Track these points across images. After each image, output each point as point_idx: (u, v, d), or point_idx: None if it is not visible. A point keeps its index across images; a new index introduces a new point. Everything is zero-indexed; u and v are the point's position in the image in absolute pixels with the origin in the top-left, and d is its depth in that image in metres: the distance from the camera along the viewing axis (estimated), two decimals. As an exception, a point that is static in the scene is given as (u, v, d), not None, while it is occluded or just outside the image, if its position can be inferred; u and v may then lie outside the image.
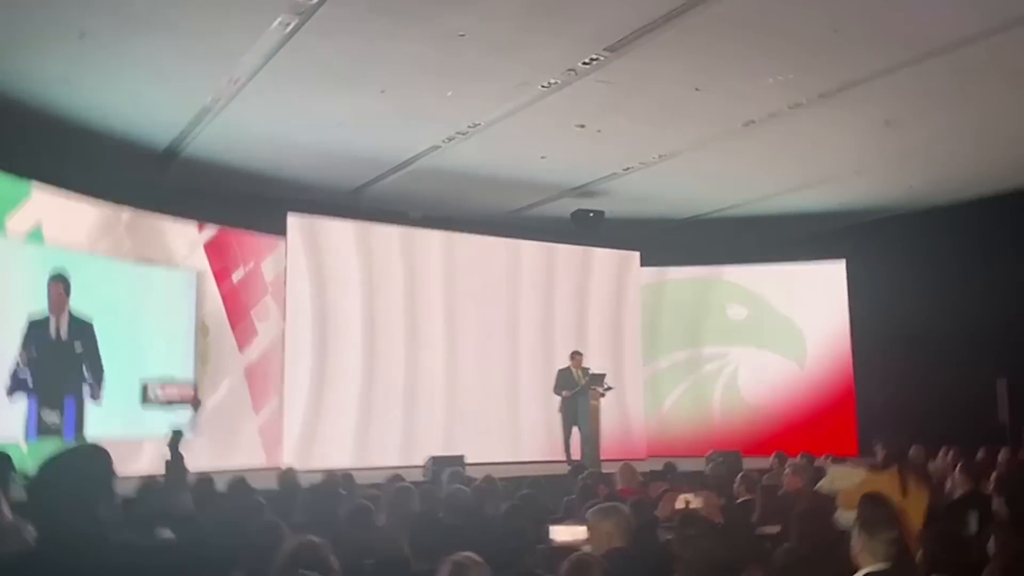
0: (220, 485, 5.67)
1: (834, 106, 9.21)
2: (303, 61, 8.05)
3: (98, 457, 2.04)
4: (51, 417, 9.26)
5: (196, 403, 5.20)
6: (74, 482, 1.95)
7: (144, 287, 10.44)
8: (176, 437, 4.76)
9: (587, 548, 3.34)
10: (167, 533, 3.14)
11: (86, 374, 9.71)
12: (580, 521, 3.70)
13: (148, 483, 4.80)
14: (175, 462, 4.70)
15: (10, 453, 8.57)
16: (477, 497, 4.97)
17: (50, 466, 1.99)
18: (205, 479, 5.61)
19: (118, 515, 2.02)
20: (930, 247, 13.07)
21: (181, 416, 5.11)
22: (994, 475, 6.27)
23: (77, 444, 2.14)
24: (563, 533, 3.10)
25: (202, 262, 11.13)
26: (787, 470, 6.88)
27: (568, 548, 3.31)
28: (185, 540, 3.17)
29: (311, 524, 4.33)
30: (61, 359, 9.43)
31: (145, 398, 5.17)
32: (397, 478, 6.07)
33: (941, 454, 8.76)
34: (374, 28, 7.45)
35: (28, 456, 8.32)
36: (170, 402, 5.11)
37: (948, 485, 6.70)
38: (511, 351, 12.94)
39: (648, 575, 3.40)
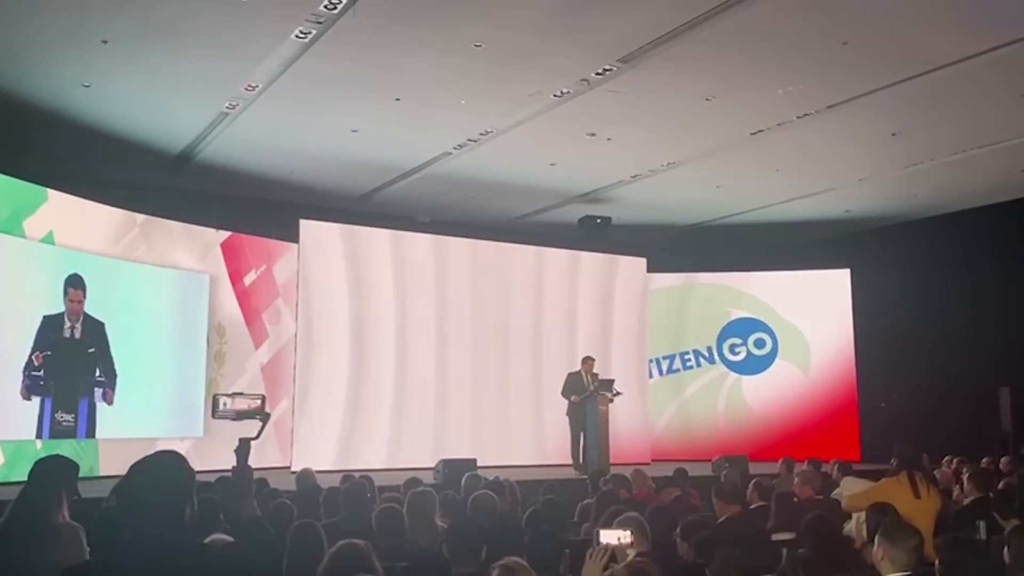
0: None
1: (841, 117, 9.35)
2: (321, 69, 8.17)
3: (182, 463, 2.16)
4: (65, 418, 9.39)
5: (264, 414, 5.31)
6: (169, 483, 2.07)
7: (157, 289, 10.55)
8: (244, 445, 4.87)
9: (631, 552, 3.44)
10: (221, 536, 3.24)
11: (99, 375, 9.85)
12: (608, 525, 3.80)
13: (204, 487, 4.90)
14: (242, 468, 4.84)
15: (25, 452, 8.75)
16: (506, 501, 5.05)
17: (147, 467, 2.11)
18: (261, 482, 5.68)
19: (196, 519, 2.13)
20: (934, 256, 13.18)
21: (249, 426, 5.22)
22: (1002, 483, 6.38)
23: (162, 450, 2.24)
24: (610, 536, 3.20)
25: (215, 265, 11.24)
26: (796, 478, 6.97)
27: (616, 551, 3.41)
28: (252, 543, 3.27)
29: (341, 525, 4.44)
30: (75, 359, 9.57)
31: (216, 411, 5.29)
32: (415, 481, 6.16)
33: (945, 462, 8.86)
34: (392, 38, 7.56)
35: (41, 455, 8.45)
36: (239, 414, 5.22)
37: (955, 493, 6.81)
38: (518, 356, 13.02)
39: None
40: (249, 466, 4.84)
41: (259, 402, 5.24)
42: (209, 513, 4.13)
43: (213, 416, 5.27)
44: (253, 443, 5.18)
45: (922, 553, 3.54)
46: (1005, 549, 3.87)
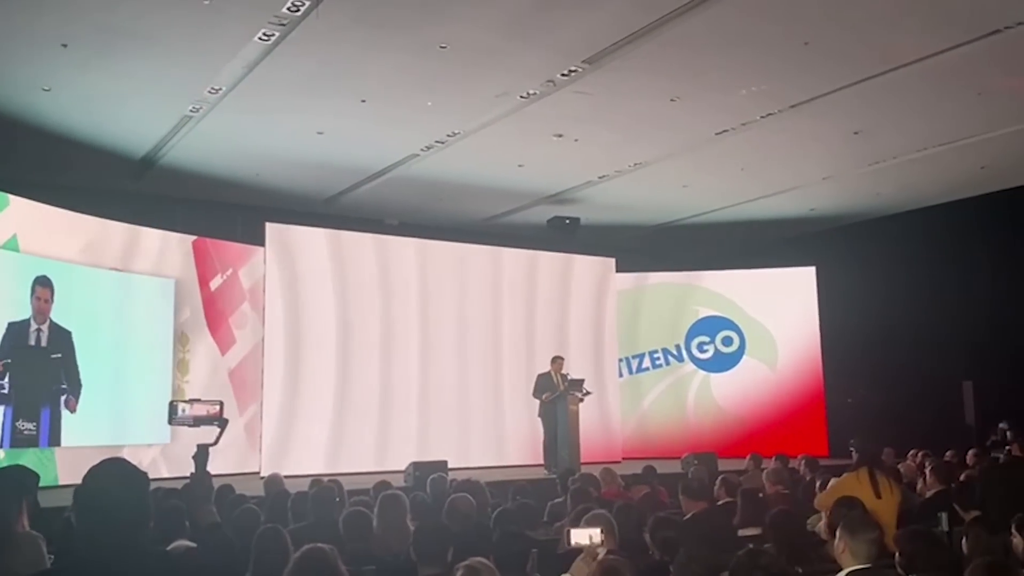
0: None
1: (805, 116, 9.45)
2: (285, 71, 8.11)
3: (137, 469, 2.13)
4: (26, 426, 9.25)
5: (222, 420, 5.26)
6: (128, 489, 2.04)
7: (122, 295, 10.42)
8: (202, 452, 4.83)
9: (602, 550, 3.46)
10: (184, 543, 3.21)
11: (64, 383, 9.72)
12: (577, 524, 3.82)
13: (164, 494, 4.85)
14: (200, 475, 4.79)
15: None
16: (475, 502, 5.05)
17: (103, 473, 2.08)
18: (226, 488, 5.63)
19: (157, 525, 2.11)
20: (898, 253, 13.39)
21: (208, 432, 5.17)
22: (963, 475, 6.49)
23: (116, 457, 2.21)
24: (581, 535, 3.22)
25: (180, 270, 11.12)
26: (764, 477, 7.02)
27: (583, 550, 3.43)
28: (211, 549, 3.24)
29: (308, 530, 4.42)
30: (39, 366, 9.42)
31: (173, 417, 5.23)
32: (384, 484, 6.14)
33: (910, 455, 8.98)
34: (356, 39, 7.54)
35: (3, 464, 8.31)
36: (197, 420, 5.17)
37: (919, 486, 6.91)
38: (488, 357, 13.03)
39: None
40: (208, 472, 4.81)
41: (217, 408, 5.20)
42: (175, 520, 4.09)
43: (170, 423, 5.23)
44: (219, 449, 5.14)
45: (882, 546, 3.59)
46: (964, 540, 3.95)
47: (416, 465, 9.23)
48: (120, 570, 1.95)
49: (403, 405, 12.29)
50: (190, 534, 3.95)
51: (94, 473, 2.09)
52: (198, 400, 5.28)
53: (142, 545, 2.02)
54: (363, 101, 8.91)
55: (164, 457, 10.13)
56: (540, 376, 11.13)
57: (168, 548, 2.88)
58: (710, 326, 14.52)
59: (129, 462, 2.17)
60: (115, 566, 1.95)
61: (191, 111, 9.05)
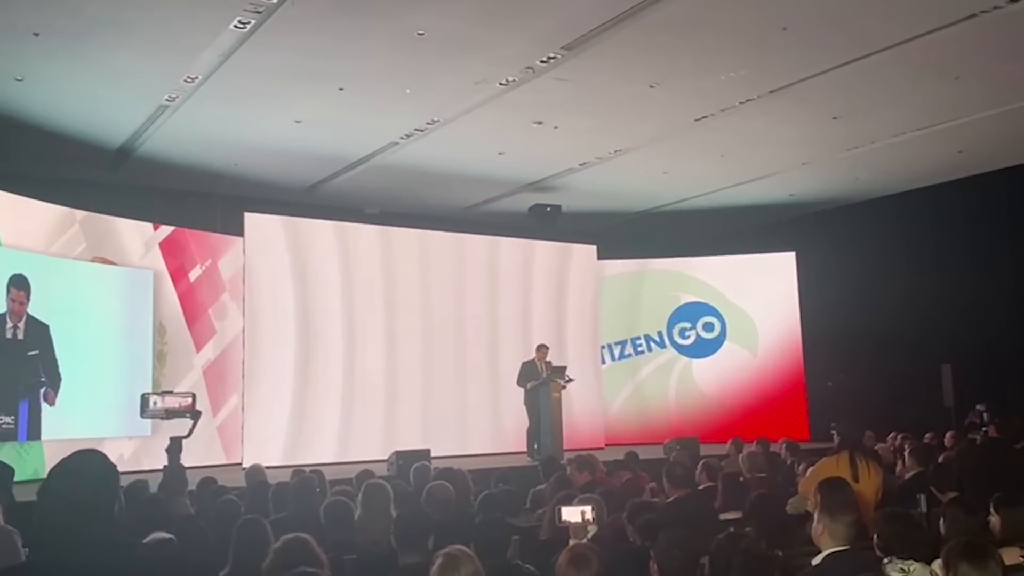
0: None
1: (783, 102, 9.47)
2: (261, 60, 8.04)
3: (105, 460, 2.11)
4: (4, 420, 9.16)
5: (195, 412, 5.22)
6: (91, 484, 2.02)
7: (100, 287, 10.33)
8: (175, 444, 4.79)
9: (593, 529, 3.47)
10: (163, 535, 3.18)
11: (42, 377, 9.63)
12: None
13: (141, 486, 4.82)
14: (173, 467, 4.75)
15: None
16: (456, 490, 5.04)
17: (66, 469, 2.06)
18: (208, 480, 5.60)
19: (123, 518, 2.08)
20: (877, 237, 13.49)
21: (180, 425, 5.13)
22: (941, 457, 6.55)
23: (83, 449, 2.19)
24: (572, 513, 3.23)
25: (158, 262, 11.04)
26: (739, 462, 7.05)
27: (576, 527, 3.44)
28: (185, 541, 3.22)
29: (289, 521, 4.40)
30: (16, 360, 9.33)
31: (145, 410, 5.18)
32: (367, 473, 6.13)
33: (890, 438, 9.06)
34: (333, 27, 7.48)
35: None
36: (170, 412, 5.13)
37: (898, 468, 6.97)
38: (471, 345, 13.02)
39: (626, 560, 3.54)
40: (181, 464, 4.78)
41: (189, 400, 5.17)
42: (153, 512, 4.06)
43: (142, 415, 5.19)
44: (201, 441, 5.12)
45: (861, 528, 3.62)
46: (941, 520, 3.98)
47: (399, 454, 9.22)
48: (86, 564, 1.92)
49: (386, 394, 12.26)
50: (167, 526, 3.93)
51: (57, 468, 2.07)
52: (170, 392, 5.25)
53: (110, 538, 2.00)
54: (341, 89, 8.85)
55: (144, 450, 10.06)
56: (524, 364, 11.14)
57: (145, 541, 2.85)
58: (691, 312, 14.58)
59: (98, 455, 2.14)
60: (81, 560, 1.93)
61: (167, 100, 8.96)
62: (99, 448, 2.31)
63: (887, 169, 12.16)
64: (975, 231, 12.63)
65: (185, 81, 8.48)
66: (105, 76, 8.34)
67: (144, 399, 5.18)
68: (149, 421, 10.23)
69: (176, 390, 10.28)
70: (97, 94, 8.77)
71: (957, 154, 11.48)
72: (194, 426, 5.13)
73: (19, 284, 9.34)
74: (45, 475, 2.13)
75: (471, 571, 2.70)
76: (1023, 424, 8.80)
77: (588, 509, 3.49)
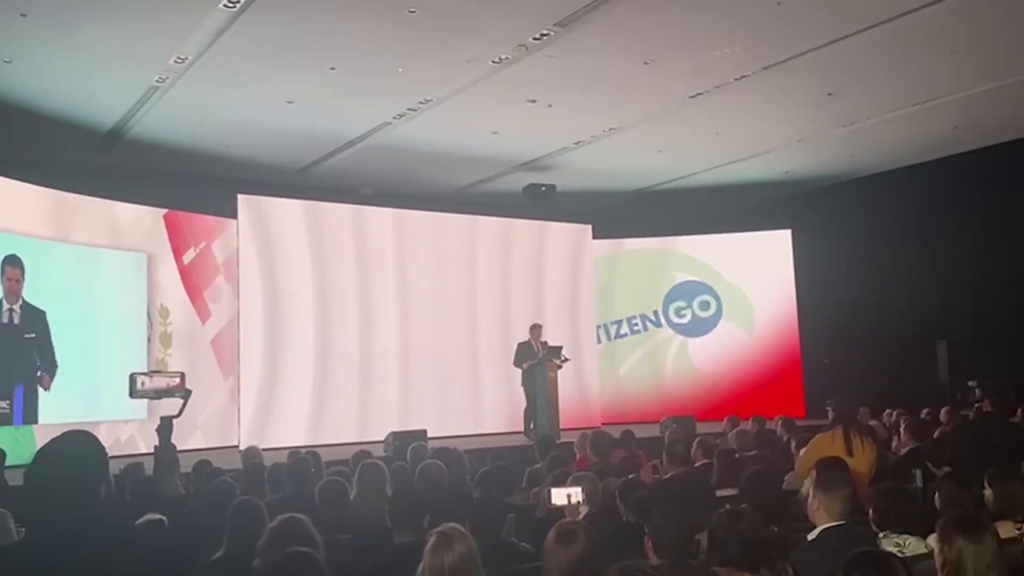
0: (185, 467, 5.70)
1: (778, 77, 9.41)
2: (251, 39, 7.97)
3: (93, 442, 2.09)
4: (0, 404, 9.15)
5: (185, 391, 5.19)
6: (76, 465, 2.01)
7: (93, 271, 10.29)
8: (165, 424, 4.77)
9: (584, 508, 3.47)
10: (155, 516, 3.17)
11: (37, 362, 9.61)
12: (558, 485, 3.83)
13: (135, 467, 4.81)
14: (164, 448, 4.73)
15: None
16: (452, 469, 5.05)
17: (51, 451, 2.04)
18: (203, 462, 5.59)
19: (113, 499, 2.07)
20: (872, 214, 13.46)
21: (170, 405, 5.10)
22: (937, 432, 6.57)
23: (72, 431, 2.17)
24: (561, 496, 3.23)
25: (152, 244, 10.99)
26: (730, 440, 7.06)
27: (559, 511, 3.44)
28: (175, 521, 3.21)
29: (284, 501, 4.40)
30: (11, 345, 9.31)
31: (134, 390, 5.15)
32: (364, 454, 6.13)
33: (886, 414, 9.07)
34: (323, 4, 7.40)
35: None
36: (159, 392, 5.10)
37: (894, 444, 6.99)
38: (466, 326, 13.01)
39: (619, 538, 3.55)
40: (172, 445, 4.76)
41: (178, 380, 5.14)
42: (146, 493, 4.05)
43: (131, 396, 5.16)
44: (199, 424, 5.10)
45: (857, 503, 3.62)
46: (936, 495, 3.98)
47: (395, 435, 9.23)
48: (71, 544, 1.91)
49: (382, 375, 12.26)
50: (160, 507, 3.92)
51: (43, 450, 2.05)
52: (158, 372, 5.22)
53: (97, 518, 1.98)
54: (332, 69, 8.78)
55: (141, 433, 10.05)
56: (520, 345, 11.13)
57: (139, 521, 2.84)
58: (687, 291, 14.57)
59: (84, 435, 2.13)
60: (67, 540, 1.91)
61: (157, 81, 8.88)
62: (96, 432, 2.30)
63: (883, 145, 12.11)
64: (971, 207, 12.61)
65: (175, 62, 8.40)
66: (94, 57, 8.26)
67: (132, 379, 5.14)
68: (145, 404, 10.23)
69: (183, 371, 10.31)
70: (86, 76, 8.69)
71: (953, 129, 11.43)
72: (184, 405, 5.10)
73: (13, 263, 9.31)
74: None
75: (464, 549, 2.69)
76: (1017, 399, 8.82)
77: (578, 491, 3.48)
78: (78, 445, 2.08)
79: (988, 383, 10.76)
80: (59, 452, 2.04)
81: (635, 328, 14.66)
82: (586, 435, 6.87)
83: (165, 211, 11.15)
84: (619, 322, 14.67)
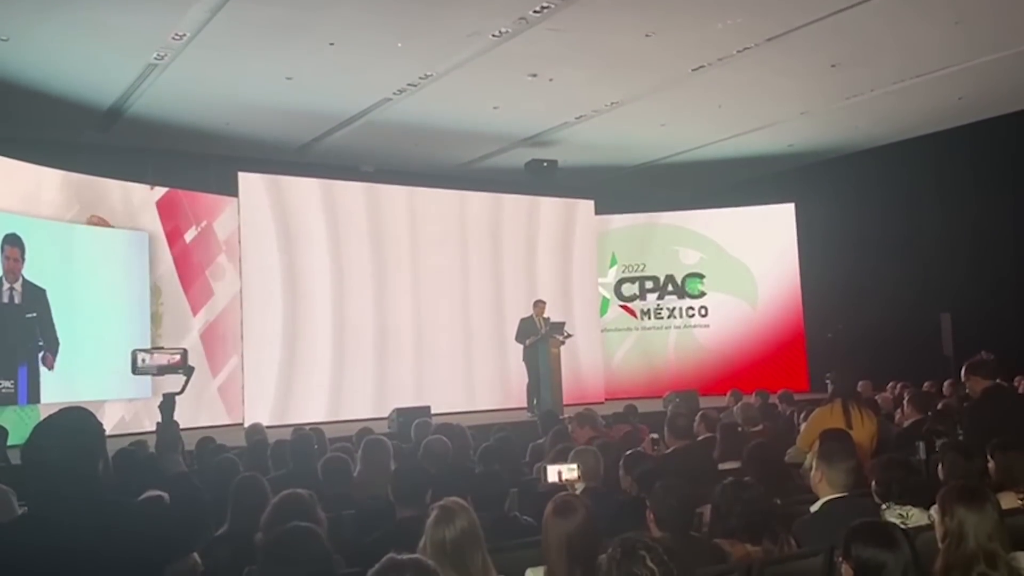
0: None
1: (781, 49, 9.32)
2: (249, 15, 7.91)
3: (89, 417, 2.09)
4: (4, 384, 9.17)
5: (187, 368, 5.19)
6: (74, 442, 2.00)
7: (95, 250, 10.27)
8: (168, 401, 4.77)
9: (580, 485, 3.47)
10: (156, 493, 3.18)
11: (40, 340, 9.62)
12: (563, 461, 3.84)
13: (138, 444, 4.82)
14: (166, 424, 4.73)
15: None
16: (455, 444, 5.06)
17: (49, 427, 2.04)
18: (207, 439, 5.58)
19: (111, 475, 2.07)
20: (876, 187, 13.38)
21: (173, 381, 5.10)
22: (940, 404, 6.56)
23: (69, 407, 2.16)
24: (554, 472, 3.23)
25: (153, 223, 10.97)
26: (733, 413, 7.06)
27: (561, 486, 3.43)
28: (176, 497, 3.23)
29: (288, 478, 4.41)
30: (13, 324, 9.31)
31: (135, 367, 5.15)
32: (367, 431, 6.14)
33: (889, 387, 9.07)
34: (322, -21, 7.34)
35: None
36: (161, 368, 5.10)
37: (897, 416, 6.99)
38: (470, 302, 12.99)
39: (619, 511, 3.56)
40: (175, 422, 4.76)
41: (179, 356, 5.12)
42: (149, 470, 4.07)
43: (133, 372, 5.15)
44: (203, 402, 5.10)
45: (859, 474, 3.62)
46: (939, 466, 3.98)
47: (399, 411, 9.25)
48: (68, 520, 1.91)
49: (385, 352, 12.26)
50: (161, 484, 3.93)
51: (39, 426, 2.05)
52: (159, 349, 5.20)
53: (95, 494, 1.98)
54: (331, 44, 8.71)
55: (146, 411, 10.08)
56: (523, 320, 11.13)
57: (141, 497, 2.85)
58: (690, 265, 14.54)
59: (81, 412, 2.12)
60: (63, 516, 1.91)
61: (156, 59, 8.83)
62: (100, 411, 2.29)
63: (886, 117, 12.02)
64: (975, 179, 12.53)
65: (173, 39, 8.34)
66: (92, 35, 8.21)
67: (134, 356, 5.13)
68: (149, 383, 10.26)
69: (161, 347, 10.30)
70: (85, 53, 8.64)
71: (957, 100, 11.34)
72: (187, 382, 5.09)
73: (13, 242, 9.29)
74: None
75: (466, 523, 2.69)
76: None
77: (571, 467, 3.48)
78: (75, 420, 2.07)
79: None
80: (56, 427, 2.04)
81: (647, 288, 14.56)
82: (579, 414, 6.85)
83: (166, 189, 11.11)
84: (621, 294, 14.63)
